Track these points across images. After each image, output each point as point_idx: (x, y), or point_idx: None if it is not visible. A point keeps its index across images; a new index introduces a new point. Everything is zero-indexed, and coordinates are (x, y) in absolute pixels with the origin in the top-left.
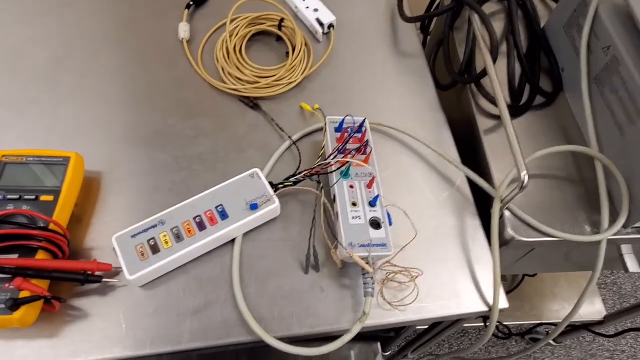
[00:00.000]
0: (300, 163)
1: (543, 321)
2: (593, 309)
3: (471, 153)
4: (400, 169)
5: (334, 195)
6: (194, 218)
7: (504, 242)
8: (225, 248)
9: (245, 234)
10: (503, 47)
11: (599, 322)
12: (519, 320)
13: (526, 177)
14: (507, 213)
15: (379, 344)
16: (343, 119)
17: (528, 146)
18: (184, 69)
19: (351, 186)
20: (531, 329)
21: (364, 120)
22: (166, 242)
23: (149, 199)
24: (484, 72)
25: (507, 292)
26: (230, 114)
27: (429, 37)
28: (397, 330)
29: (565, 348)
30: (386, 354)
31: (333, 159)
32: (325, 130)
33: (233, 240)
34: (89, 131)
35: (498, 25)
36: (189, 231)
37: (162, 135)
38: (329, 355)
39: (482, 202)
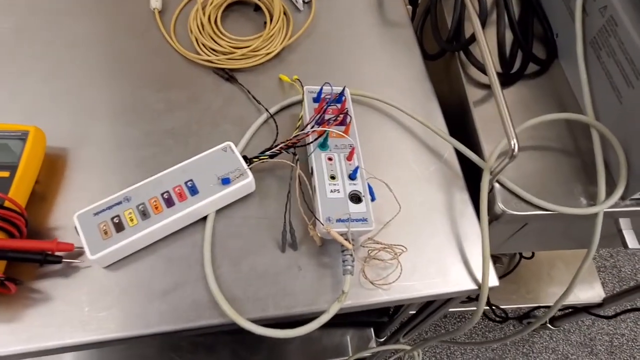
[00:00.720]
0: (277, 137)
1: (540, 304)
2: (592, 292)
3: (461, 126)
4: (385, 142)
5: (312, 168)
6: (162, 194)
7: (494, 217)
8: (197, 226)
9: (218, 212)
10: (494, 15)
11: (598, 305)
12: (515, 303)
13: (516, 146)
14: (497, 186)
15: (372, 330)
16: (321, 88)
17: (521, 117)
18: (156, 40)
19: (330, 158)
20: (528, 312)
21: (343, 89)
22: (131, 220)
23: (117, 176)
24: (473, 38)
25: (503, 276)
26: (204, 86)
27: (417, 9)
28: (390, 316)
29: (564, 332)
30: (380, 340)
31: (310, 129)
32: (303, 101)
33: (205, 218)
34: (54, 105)
35: None
36: (156, 208)
37: (132, 109)
38: (322, 340)
39: (472, 176)
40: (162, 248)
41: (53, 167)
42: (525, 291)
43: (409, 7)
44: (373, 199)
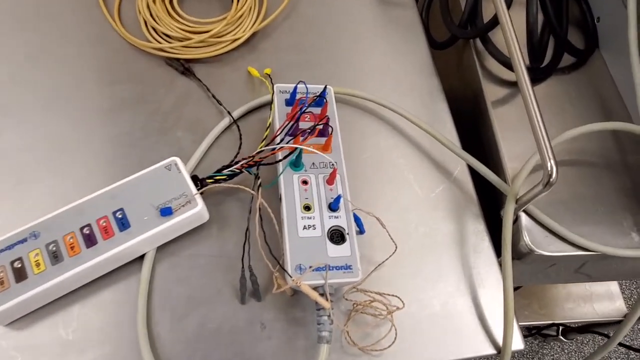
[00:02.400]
0: (240, 149)
1: (556, 321)
2: (612, 305)
3: (475, 133)
4: (379, 155)
5: (280, 195)
6: (82, 229)
7: (518, 255)
8: (132, 265)
9: (160, 248)
10: None
11: (619, 322)
12: (527, 320)
13: (555, 170)
14: (523, 216)
15: None
16: (295, 87)
17: (553, 123)
18: (96, 22)
19: (304, 181)
20: (541, 330)
21: (324, 89)
22: (37, 265)
23: (27, 199)
24: (495, 22)
25: (514, 289)
26: (153, 81)
27: None
28: None
29: (576, 344)
30: None
31: (279, 143)
32: (272, 104)
33: (143, 255)
34: None
35: None
36: (72, 248)
37: (58, 109)
38: None
39: (489, 199)
40: (84, 296)
41: None
42: (538, 306)
43: None
44: (362, 232)
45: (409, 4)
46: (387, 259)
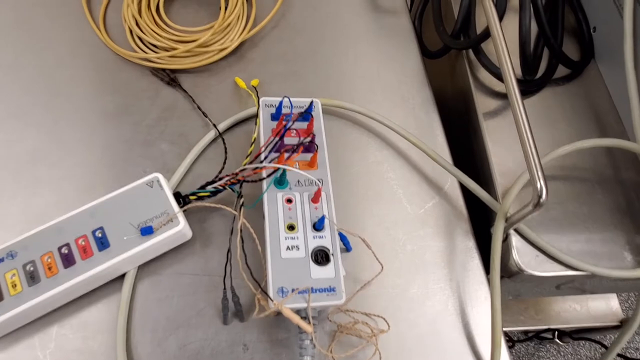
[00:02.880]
0: (225, 163)
1: (551, 326)
2: (608, 309)
3: (467, 143)
4: (367, 168)
5: (264, 213)
6: (60, 248)
7: (508, 274)
8: (113, 284)
9: (142, 265)
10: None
11: (615, 327)
12: (523, 325)
13: (544, 192)
14: (513, 234)
15: None
16: (281, 102)
17: (546, 136)
18: (80, 29)
19: (289, 200)
20: (537, 334)
21: (310, 104)
22: (14, 286)
23: (5, 213)
24: (487, 34)
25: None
26: (138, 92)
27: None
28: None
29: (572, 346)
30: None
31: (263, 160)
32: (258, 118)
33: (124, 274)
34: None
35: None
36: (50, 269)
37: (34, 120)
38: None
39: (480, 213)
40: (61, 316)
41: None
42: (534, 311)
43: None
44: (348, 250)
45: (402, 11)
46: (372, 280)
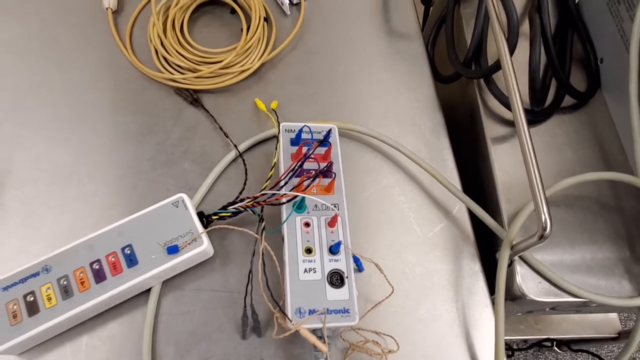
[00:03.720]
0: (245, 184)
1: (550, 336)
2: (606, 321)
3: (475, 167)
4: (380, 192)
5: (283, 236)
6: (91, 264)
7: (512, 297)
8: (139, 297)
9: (166, 281)
10: (525, 27)
11: (613, 339)
12: (522, 334)
13: (549, 225)
14: (518, 261)
15: None
16: (301, 129)
17: (552, 163)
18: (106, 48)
19: (307, 224)
20: (537, 343)
21: (329, 132)
22: (49, 299)
23: (33, 231)
24: (498, 66)
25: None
26: (162, 112)
27: (431, 9)
28: None
29: (570, 353)
30: None
31: (283, 185)
32: (278, 143)
33: (149, 289)
34: None
35: None
36: (82, 283)
37: (61, 138)
38: None
39: (487, 236)
40: (91, 327)
41: None
42: (534, 321)
43: (414, 8)
44: (360, 270)
45: (416, 36)
46: (383, 300)
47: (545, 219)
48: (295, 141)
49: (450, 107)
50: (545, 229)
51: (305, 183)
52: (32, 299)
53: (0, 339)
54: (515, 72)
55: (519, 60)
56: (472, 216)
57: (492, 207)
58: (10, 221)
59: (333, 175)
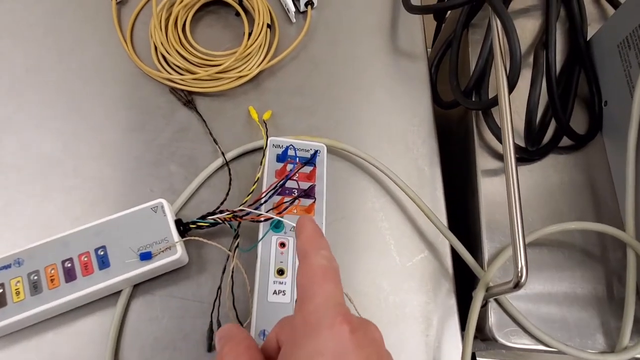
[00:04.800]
0: (228, 193)
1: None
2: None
3: (463, 198)
4: (363, 215)
5: (257, 254)
6: (63, 262)
7: (482, 337)
8: (108, 299)
9: (137, 285)
10: (529, 59)
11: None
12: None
13: (524, 274)
14: (493, 302)
15: None
16: (287, 148)
17: (540, 205)
18: (108, 40)
19: (282, 244)
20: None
21: (315, 154)
22: (17, 293)
23: (11, 219)
24: (496, 101)
25: None
26: (155, 109)
27: (443, 26)
28: None
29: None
30: None
31: (263, 203)
32: (264, 158)
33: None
34: None
35: (530, 26)
36: (52, 280)
37: (49, 127)
38: None
39: (466, 270)
40: (58, 323)
41: None
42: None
43: (422, 25)
44: None
45: (421, 57)
46: None
47: (522, 267)
48: (282, 158)
49: (446, 133)
50: (520, 278)
51: (285, 203)
52: (0, 291)
53: None
54: (511, 110)
55: (523, 92)
56: (454, 250)
57: (475, 243)
58: None
59: (314, 199)
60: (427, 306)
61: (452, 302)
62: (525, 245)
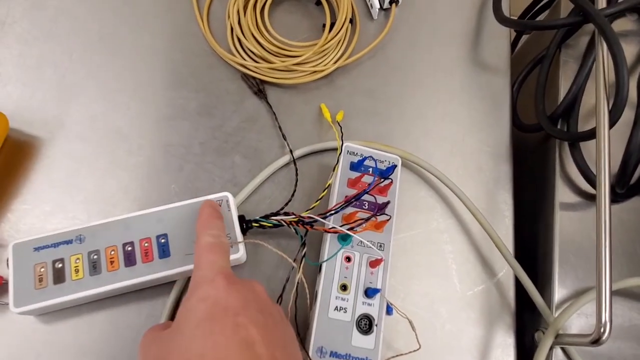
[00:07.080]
0: (293, 194)
1: None
2: None
3: (533, 231)
4: (427, 235)
5: (320, 266)
6: (124, 245)
7: None
8: (161, 288)
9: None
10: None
11: None
12: None
13: (608, 329)
14: (558, 349)
15: None
16: (365, 158)
17: (621, 254)
18: (184, 16)
19: (348, 258)
20: None
21: (393, 169)
22: (77, 271)
23: (81, 192)
24: (591, 135)
25: None
26: (224, 94)
27: (523, 37)
28: None
29: None
30: None
31: (333, 213)
32: (337, 164)
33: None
34: (33, 79)
35: (627, 54)
36: (112, 262)
37: (118, 101)
38: None
39: (527, 305)
40: (109, 305)
41: (21, 157)
42: None
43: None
44: (389, 313)
45: (504, 72)
46: (406, 353)
47: (606, 321)
48: (356, 166)
49: (521, 156)
50: (602, 334)
51: (357, 218)
52: (60, 266)
53: (23, 300)
54: (609, 148)
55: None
56: (518, 284)
57: (542, 280)
58: (54, 174)
59: (388, 217)
60: (484, 340)
61: (511, 341)
62: (611, 297)
